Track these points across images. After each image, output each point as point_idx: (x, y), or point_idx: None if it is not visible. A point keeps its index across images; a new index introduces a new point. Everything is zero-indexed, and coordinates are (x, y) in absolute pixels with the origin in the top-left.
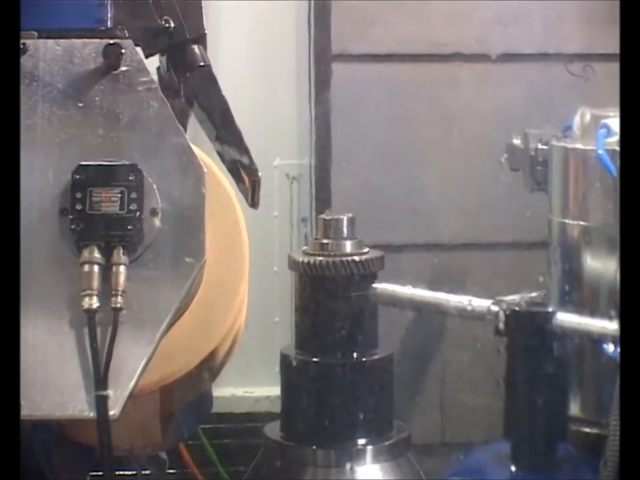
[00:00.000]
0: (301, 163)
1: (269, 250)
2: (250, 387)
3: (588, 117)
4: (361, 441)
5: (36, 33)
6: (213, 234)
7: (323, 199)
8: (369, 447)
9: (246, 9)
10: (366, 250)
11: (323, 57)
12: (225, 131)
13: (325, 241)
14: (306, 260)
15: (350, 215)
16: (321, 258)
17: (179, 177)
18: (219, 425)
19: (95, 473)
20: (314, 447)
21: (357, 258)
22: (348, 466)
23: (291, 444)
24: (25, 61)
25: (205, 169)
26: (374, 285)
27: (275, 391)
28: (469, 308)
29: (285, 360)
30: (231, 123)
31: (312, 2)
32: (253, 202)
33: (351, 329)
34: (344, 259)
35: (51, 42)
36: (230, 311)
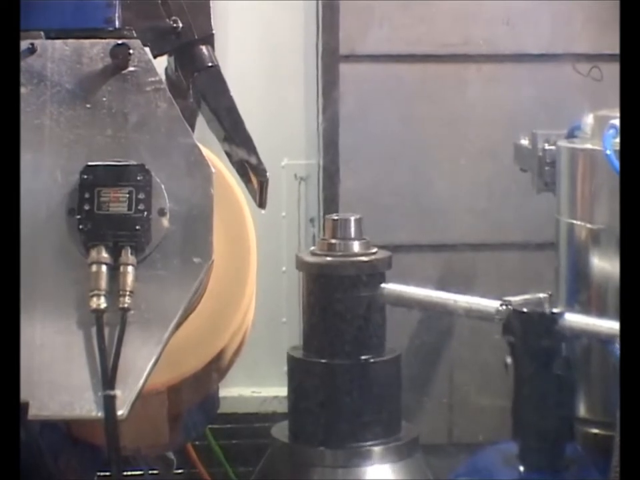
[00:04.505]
0: (309, 163)
1: (276, 250)
2: (257, 387)
3: (597, 118)
4: (369, 442)
5: (44, 33)
6: (220, 234)
7: (330, 199)
8: (377, 448)
9: (254, 10)
10: (374, 250)
11: (331, 58)
12: (233, 132)
13: (332, 241)
14: (314, 260)
15: (357, 215)
16: (328, 258)
17: (187, 177)
18: (227, 425)
19: (102, 473)
20: (322, 448)
21: (364, 258)
22: (356, 466)
23: (298, 444)
24: (33, 61)
25: (213, 169)
26: (382, 285)
27: (283, 391)
28: (477, 308)
29: (292, 360)
30: (239, 124)
31: (320, 2)
32: (261, 202)
33: (359, 329)
34: (352, 259)
35: (59, 42)
36: (237, 311)
